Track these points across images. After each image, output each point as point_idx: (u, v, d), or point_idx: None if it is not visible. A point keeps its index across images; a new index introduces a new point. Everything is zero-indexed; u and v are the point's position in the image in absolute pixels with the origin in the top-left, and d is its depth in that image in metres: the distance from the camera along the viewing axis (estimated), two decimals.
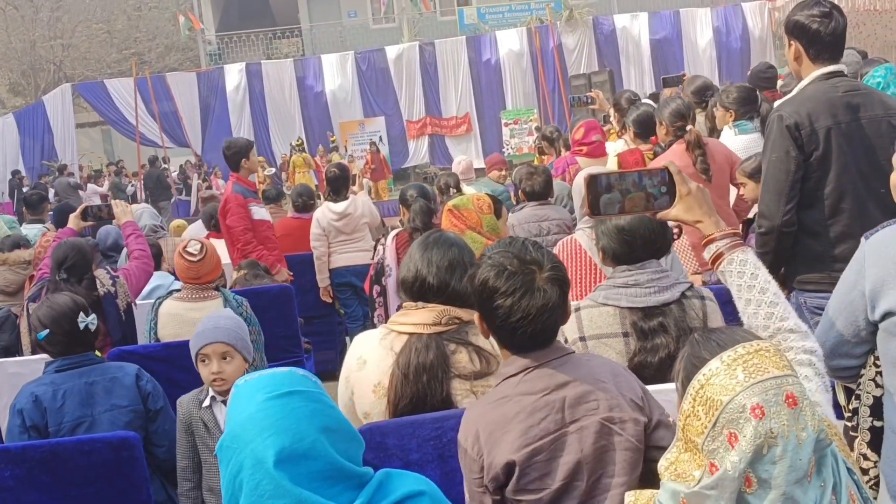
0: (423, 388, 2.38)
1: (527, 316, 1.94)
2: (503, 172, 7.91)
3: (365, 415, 2.47)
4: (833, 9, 3.08)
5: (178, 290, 4.27)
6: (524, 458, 1.91)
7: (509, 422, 1.93)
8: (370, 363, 2.48)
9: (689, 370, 1.60)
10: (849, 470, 1.60)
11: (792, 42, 3.15)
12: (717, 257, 1.95)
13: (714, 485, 1.46)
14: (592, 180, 1.95)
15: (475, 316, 2.08)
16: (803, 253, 3.13)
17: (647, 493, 1.69)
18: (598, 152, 6.35)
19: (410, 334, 2.43)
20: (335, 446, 1.50)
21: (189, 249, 4.12)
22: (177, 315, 4.18)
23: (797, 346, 1.87)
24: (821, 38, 3.08)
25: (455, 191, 6.85)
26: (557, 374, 1.97)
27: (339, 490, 1.48)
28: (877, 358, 2.12)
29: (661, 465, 1.59)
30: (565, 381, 1.96)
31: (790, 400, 1.46)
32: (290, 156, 20.75)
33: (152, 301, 4.42)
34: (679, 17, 22.18)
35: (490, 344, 2.39)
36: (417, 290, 2.49)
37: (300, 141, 20.64)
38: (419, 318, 2.44)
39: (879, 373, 2.12)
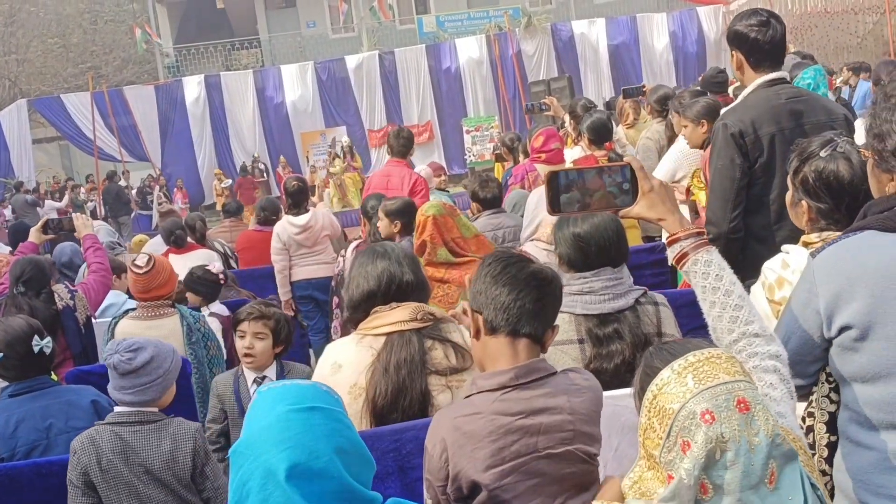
0: (402, 381, 2.44)
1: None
2: (443, 178, 8.00)
3: None
4: (770, 17, 3.16)
5: (133, 310, 4.24)
6: (492, 479, 1.90)
7: (480, 440, 1.91)
8: (346, 367, 2.52)
9: (644, 382, 1.61)
10: (813, 486, 1.58)
11: (734, 52, 3.23)
12: (682, 257, 1.88)
13: (671, 495, 1.46)
14: (553, 177, 1.87)
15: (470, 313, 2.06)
16: (751, 258, 3.19)
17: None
18: (556, 159, 6.40)
19: (389, 333, 2.49)
20: (349, 469, 1.48)
21: (137, 262, 4.11)
22: (133, 335, 4.13)
23: (762, 352, 1.84)
24: (760, 46, 3.15)
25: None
26: (536, 399, 1.93)
27: None
28: (829, 375, 2.10)
29: (625, 484, 1.58)
30: (543, 407, 1.92)
31: (742, 405, 1.46)
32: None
33: (108, 320, 4.39)
34: (636, 23, 22.46)
35: (464, 340, 2.48)
36: (394, 292, 2.56)
37: (257, 156, 20.53)
38: (396, 316, 2.52)
39: (833, 389, 2.10)
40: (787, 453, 1.51)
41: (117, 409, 2.83)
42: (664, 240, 2.01)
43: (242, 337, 3.46)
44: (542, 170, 6.32)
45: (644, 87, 6.74)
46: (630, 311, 2.64)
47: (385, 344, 2.48)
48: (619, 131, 6.10)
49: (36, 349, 3.06)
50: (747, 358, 1.83)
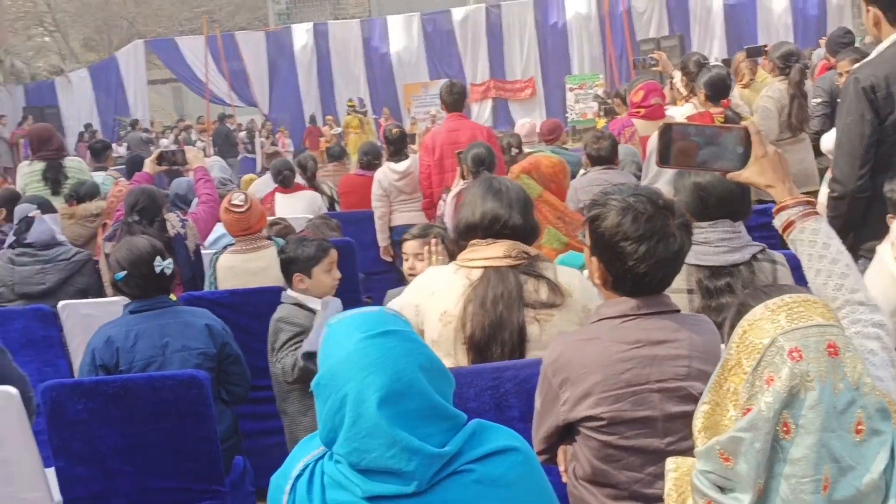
0: (500, 316, 2.46)
1: (660, 261, 1.93)
2: (561, 136, 7.81)
3: (432, 342, 2.55)
4: None
5: (232, 244, 4.38)
6: (602, 405, 1.92)
7: (593, 365, 1.93)
8: (438, 294, 2.57)
9: (735, 321, 1.58)
10: None
11: (869, 8, 3.07)
12: (789, 225, 1.84)
13: (748, 426, 1.43)
14: (666, 129, 1.85)
15: (589, 254, 2.05)
16: (873, 220, 3.06)
17: (690, 460, 1.64)
18: (656, 115, 6.25)
19: (486, 267, 2.51)
20: (432, 384, 1.51)
21: (234, 202, 4.22)
22: (233, 268, 4.30)
23: (865, 319, 1.80)
24: None
25: (517, 151, 6.85)
26: (655, 331, 1.94)
27: (434, 431, 1.49)
28: None
29: (695, 425, 1.55)
30: (661, 339, 1.93)
31: (831, 349, 1.43)
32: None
33: (213, 251, 4.55)
34: None
35: (558, 280, 2.49)
36: (496, 231, 2.56)
37: (353, 102, 20.73)
38: (491, 252, 2.53)
39: None
40: (879, 407, 1.46)
41: None
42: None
43: (329, 271, 3.55)
44: (640, 125, 6.18)
45: (766, 47, 6.47)
46: (745, 267, 2.57)
47: (481, 278, 2.51)
48: (735, 90, 5.89)
49: (158, 269, 3.18)
50: (849, 325, 1.78)
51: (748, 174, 1.85)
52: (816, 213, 1.85)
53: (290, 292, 3.54)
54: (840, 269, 1.81)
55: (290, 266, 3.52)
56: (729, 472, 1.45)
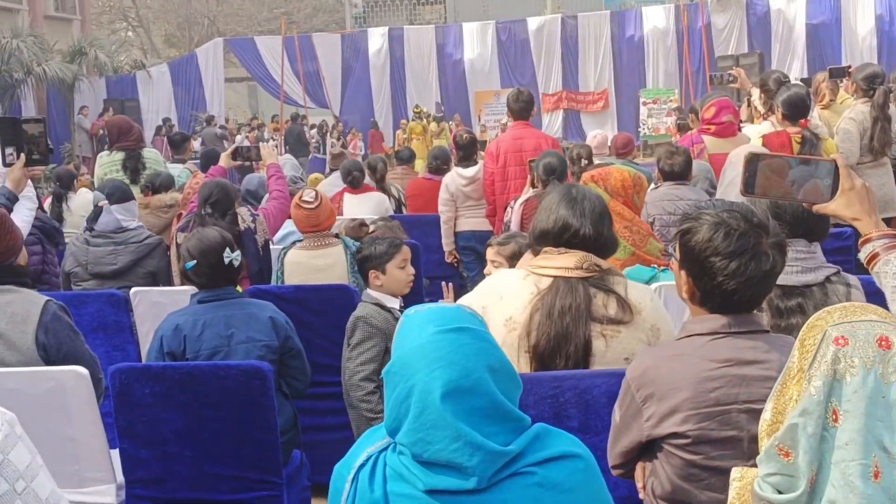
0: (566, 328, 2.42)
1: (750, 280, 1.91)
2: (633, 151, 7.73)
3: None
4: None
5: (300, 240, 4.45)
6: (689, 423, 1.90)
7: (681, 382, 1.91)
8: (506, 298, 2.54)
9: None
10: None
11: None
12: (873, 257, 1.88)
13: (801, 411, 1.47)
14: (753, 158, 1.91)
15: (678, 268, 2.04)
16: None
17: (754, 470, 1.66)
18: (727, 132, 6.10)
19: (555, 277, 2.48)
20: (498, 385, 1.52)
21: (305, 198, 4.29)
22: (301, 263, 4.37)
23: None
24: None
25: (587, 162, 6.79)
26: (746, 351, 1.91)
27: (497, 430, 1.50)
28: None
29: (760, 434, 1.57)
30: (752, 359, 1.90)
31: (883, 342, 1.46)
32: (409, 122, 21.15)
33: (280, 248, 4.63)
34: (840, 2, 20.99)
35: (628, 296, 2.45)
36: (566, 240, 2.52)
37: (419, 108, 20.87)
38: (562, 262, 2.49)
39: None
40: None
41: None
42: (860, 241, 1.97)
43: (403, 267, 3.63)
44: (710, 142, 6.06)
45: (850, 67, 6.30)
46: (818, 288, 2.50)
47: (550, 287, 2.47)
48: (814, 111, 5.76)
49: (226, 261, 3.24)
50: None
51: (835, 206, 1.89)
52: None
53: (369, 291, 3.62)
54: None
55: (365, 263, 3.61)
56: (790, 467, 1.49)
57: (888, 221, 5.41)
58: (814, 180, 1.89)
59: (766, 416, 1.56)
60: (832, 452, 1.46)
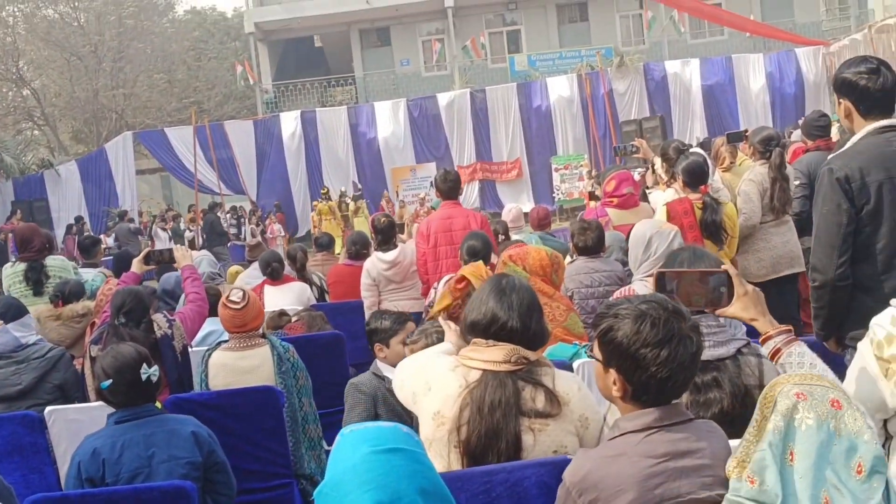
0: (496, 424, 2.42)
1: (681, 364, 1.95)
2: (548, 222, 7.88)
3: (426, 441, 2.50)
4: (881, 64, 3.08)
5: (225, 341, 4.36)
6: None
7: (625, 482, 1.91)
8: (435, 389, 2.53)
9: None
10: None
11: (841, 100, 3.15)
12: (776, 352, 2.19)
13: (765, 445, 1.71)
14: (660, 277, 2.25)
15: (602, 369, 2.06)
16: (857, 309, 3.08)
17: None
18: (629, 204, 6.36)
19: (484, 370, 2.47)
20: None
21: (232, 298, 4.21)
22: (226, 365, 4.26)
23: None
24: (870, 94, 3.07)
25: (503, 237, 6.90)
26: (679, 443, 1.94)
27: None
28: None
29: (728, 467, 1.80)
30: (686, 450, 1.93)
31: (835, 403, 1.72)
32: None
33: (203, 349, 4.52)
34: (731, 63, 22.10)
35: (556, 388, 2.47)
36: (494, 332, 2.52)
37: (326, 189, 20.94)
38: (490, 355, 2.49)
39: None
40: (879, 458, 1.71)
41: None
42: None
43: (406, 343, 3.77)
44: (614, 214, 6.26)
45: (746, 131, 6.62)
46: (731, 361, 2.57)
47: (479, 381, 2.47)
48: (716, 174, 6.00)
49: (143, 377, 3.16)
50: None
51: (733, 310, 2.24)
52: (797, 339, 2.20)
53: (377, 362, 3.89)
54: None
55: (372, 337, 3.93)
56: (760, 492, 1.72)
57: (794, 277, 5.64)
58: (712, 288, 2.24)
59: (734, 463, 1.79)
60: (792, 485, 1.69)
